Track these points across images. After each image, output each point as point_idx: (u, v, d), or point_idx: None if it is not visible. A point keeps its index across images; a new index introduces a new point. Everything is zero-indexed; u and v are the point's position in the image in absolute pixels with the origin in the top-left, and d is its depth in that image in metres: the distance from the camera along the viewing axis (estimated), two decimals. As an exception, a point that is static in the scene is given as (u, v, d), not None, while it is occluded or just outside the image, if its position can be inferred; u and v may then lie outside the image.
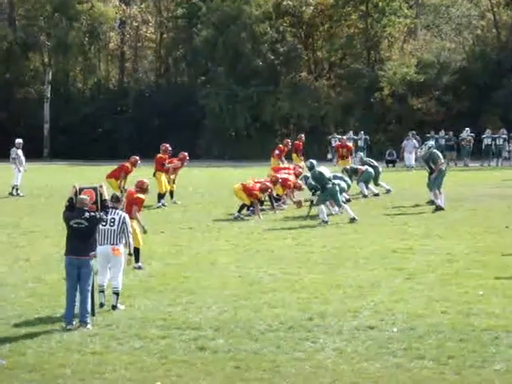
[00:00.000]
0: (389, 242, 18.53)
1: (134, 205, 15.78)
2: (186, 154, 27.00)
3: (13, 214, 24.17)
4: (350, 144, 31.40)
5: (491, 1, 53.37)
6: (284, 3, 54.95)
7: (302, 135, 34.16)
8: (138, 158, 26.37)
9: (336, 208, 23.05)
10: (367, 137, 45.75)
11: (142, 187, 16.42)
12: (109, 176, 25.54)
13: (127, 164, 25.82)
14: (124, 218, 13.19)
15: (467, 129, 43.14)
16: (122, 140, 53.66)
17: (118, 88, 61.01)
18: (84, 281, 12.10)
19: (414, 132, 43.63)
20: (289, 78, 54.81)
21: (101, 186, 12.72)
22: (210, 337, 11.35)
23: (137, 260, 15.57)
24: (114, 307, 12.93)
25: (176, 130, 51.21)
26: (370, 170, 27.60)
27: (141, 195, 16.23)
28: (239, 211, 23.04)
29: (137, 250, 15.35)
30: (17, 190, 28.81)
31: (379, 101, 51.70)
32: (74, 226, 12.06)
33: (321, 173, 22.66)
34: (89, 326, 11.93)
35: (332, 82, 56.62)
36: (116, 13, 58.57)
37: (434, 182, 23.78)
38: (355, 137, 45.66)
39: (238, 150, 50.51)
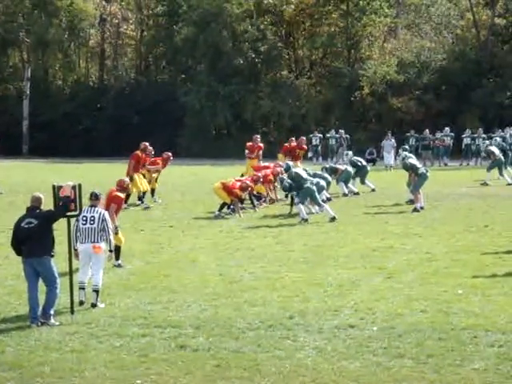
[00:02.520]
0: (369, 241, 18.57)
1: (112, 203, 15.73)
2: (170, 154, 26.92)
3: (-9, 211, 24.03)
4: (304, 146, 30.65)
5: (470, 1, 53.58)
6: (265, 2, 54.96)
7: (293, 139, 32.03)
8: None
9: (316, 207, 23.08)
10: (347, 135, 45.90)
11: (122, 186, 16.37)
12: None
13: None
14: (104, 215, 13.18)
15: (447, 128, 43.31)
16: (101, 137, 53.52)
17: (97, 85, 60.81)
18: (46, 279, 12.06)
19: (390, 132, 43.90)
20: (269, 76, 54.87)
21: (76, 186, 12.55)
22: (191, 335, 11.33)
23: (117, 258, 15.54)
24: (94, 305, 12.88)
25: (156, 127, 51.11)
26: (350, 169, 27.68)
27: (120, 194, 16.17)
28: (220, 210, 23.02)
29: (118, 248, 15.31)
30: None
31: (359, 100, 51.84)
32: (24, 226, 12.01)
33: (297, 173, 22.76)
34: (52, 321, 11.90)
35: (313, 80, 56.72)
36: (96, 10, 58.40)
37: (416, 186, 23.90)
38: (336, 135, 45.80)
39: (219, 148, 50.47)
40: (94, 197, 13.48)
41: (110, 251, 13.40)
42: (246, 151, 29.29)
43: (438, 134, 42.89)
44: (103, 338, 11.29)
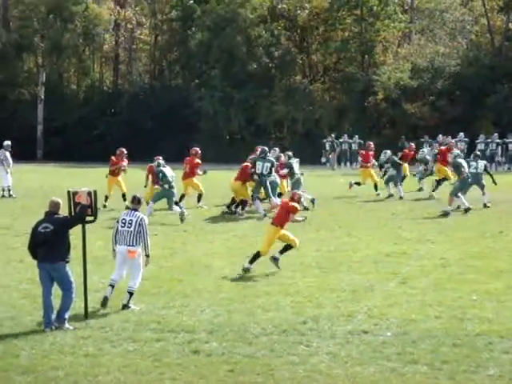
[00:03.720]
0: (382, 247, 18.54)
1: (291, 213, 16.23)
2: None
3: (6, 215, 24.13)
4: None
5: (485, 6, 53.45)
6: (279, 7, 55.00)
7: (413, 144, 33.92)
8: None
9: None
10: (361, 141, 45.90)
11: (294, 198, 16.56)
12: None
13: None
14: (141, 219, 13.23)
15: (461, 133, 43.20)
16: (115, 142, 53.42)
17: (112, 90, 60.96)
18: (61, 284, 12.10)
19: (403, 137, 43.94)
20: (283, 81, 54.86)
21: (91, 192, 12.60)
22: (204, 340, 11.34)
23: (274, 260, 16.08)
24: (125, 306, 12.97)
25: (170, 132, 51.22)
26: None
27: (295, 204, 16.37)
28: (236, 207, 23.41)
29: (288, 248, 16.18)
30: (9, 191, 28.76)
31: (373, 105, 51.75)
32: (41, 230, 12.05)
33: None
34: (66, 325, 11.94)
35: (326, 85, 56.68)
36: (111, 15, 58.55)
37: (455, 189, 24.23)
38: (350, 140, 45.86)
39: (232, 153, 50.45)
40: (137, 201, 13.61)
41: (147, 256, 13.38)
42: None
43: (449, 139, 42.70)
44: (117, 342, 11.32)
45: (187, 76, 58.03)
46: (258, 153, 24.90)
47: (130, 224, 13.19)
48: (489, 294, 13.74)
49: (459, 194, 24.00)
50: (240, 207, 24.43)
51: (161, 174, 23.54)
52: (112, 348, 11.09)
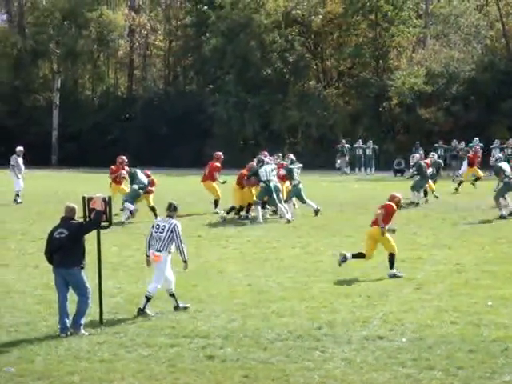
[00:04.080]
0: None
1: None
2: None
3: (22, 220, 24.21)
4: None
5: (500, 11, 53.30)
6: (293, 12, 55.02)
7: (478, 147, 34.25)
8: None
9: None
10: (375, 146, 45.88)
11: (393, 199, 16.85)
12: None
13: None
14: (174, 226, 13.29)
15: (476, 139, 43.04)
16: (130, 148, 53.64)
17: (126, 96, 61.13)
18: (77, 290, 12.13)
19: (418, 142, 43.91)
20: (297, 86, 54.86)
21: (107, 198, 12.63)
22: (219, 345, 11.33)
23: (391, 266, 16.07)
24: (141, 311, 13.00)
25: (184, 138, 51.26)
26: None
27: (392, 204, 16.72)
28: (247, 211, 23.48)
29: (392, 256, 16.12)
30: (17, 196, 28.77)
31: (387, 110, 51.69)
32: (56, 236, 12.08)
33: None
34: (82, 331, 11.95)
35: (340, 90, 56.64)
36: (125, 21, 58.73)
37: (498, 193, 24.41)
38: (364, 146, 45.82)
39: (246, 158, 50.42)
40: (173, 208, 13.69)
41: (184, 262, 13.42)
42: None
43: (462, 145, 42.62)
44: (132, 347, 11.33)
45: (201, 81, 58.11)
46: (255, 163, 24.84)
47: (163, 230, 13.28)
48: (504, 299, 13.68)
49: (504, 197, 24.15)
50: (245, 211, 24.50)
51: (133, 175, 24.53)
52: (127, 353, 11.09)
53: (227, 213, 24.61)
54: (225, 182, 25.83)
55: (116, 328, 12.28)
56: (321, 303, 13.60)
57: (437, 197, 28.27)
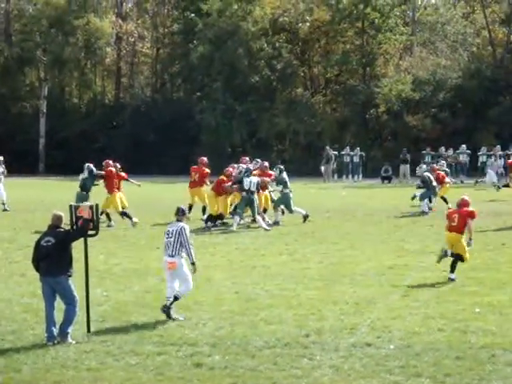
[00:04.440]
0: (385, 259, 18.51)
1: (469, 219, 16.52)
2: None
3: (8, 228, 24.13)
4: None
5: (487, 18, 53.55)
6: (280, 19, 55.13)
7: None
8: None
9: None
10: (363, 153, 45.98)
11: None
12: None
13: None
14: (181, 229, 13.34)
15: (463, 146, 43.21)
16: (117, 155, 53.47)
17: (113, 103, 61.07)
18: (64, 298, 12.09)
19: (405, 149, 44.10)
20: (285, 93, 54.94)
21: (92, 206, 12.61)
22: (207, 353, 11.31)
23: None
24: (166, 307, 13.07)
25: (172, 145, 51.22)
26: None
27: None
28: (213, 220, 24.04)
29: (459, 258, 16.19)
30: (3, 204, 28.59)
31: (375, 117, 51.81)
32: (43, 244, 12.04)
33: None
34: (69, 339, 11.91)
35: (328, 98, 56.76)
36: (112, 28, 58.69)
37: None
38: (351, 153, 45.88)
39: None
40: (181, 212, 13.85)
41: (192, 264, 13.44)
42: None
43: (450, 152, 42.76)
44: (119, 356, 11.29)
45: (189, 89, 58.11)
46: (243, 172, 24.73)
47: (172, 234, 13.36)
48: (492, 306, 13.71)
49: None
50: (214, 220, 24.45)
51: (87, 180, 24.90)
52: (114, 362, 11.05)
53: (206, 222, 24.46)
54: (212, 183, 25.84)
55: (103, 336, 12.23)
56: (308, 310, 13.60)
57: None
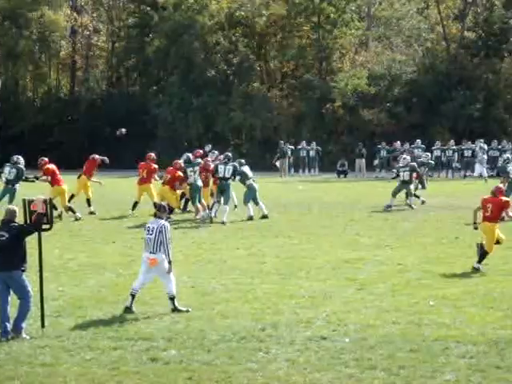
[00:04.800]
0: (341, 253, 18.62)
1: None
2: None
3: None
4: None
5: (441, 14, 54.00)
6: (237, 14, 55.02)
7: None
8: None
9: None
10: (319, 147, 46.17)
11: None
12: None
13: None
14: (162, 226, 13.30)
15: (418, 140, 43.55)
16: (72, 149, 53.19)
17: (69, 97, 60.48)
18: (18, 293, 11.98)
19: (360, 143, 44.46)
20: (241, 88, 54.87)
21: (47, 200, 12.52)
22: (162, 348, 11.29)
23: (480, 261, 16.44)
24: (174, 310, 13.17)
25: (128, 139, 50.84)
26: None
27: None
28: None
29: (485, 253, 16.50)
30: None
31: (331, 112, 51.99)
32: None
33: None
34: (23, 334, 11.81)
35: (284, 92, 56.82)
36: (67, 21, 58.09)
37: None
38: (307, 147, 46.04)
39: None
40: (163, 208, 13.80)
41: (169, 262, 13.40)
42: None
43: (406, 146, 43.13)
44: (74, 351, 11.22)
45: (145, 83, 57.84)
46: (222, 157, 25.37)
47: (152, 231, 13.33)
48: (446, 299, 13.87)
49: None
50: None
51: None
52: (69, 357, 10.98)
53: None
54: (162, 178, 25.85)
55: (58, 331, 12.14)
56: (264, 304, 13.64)
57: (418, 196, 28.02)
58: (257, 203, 24.76)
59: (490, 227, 16.65)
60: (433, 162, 29.74)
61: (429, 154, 33.67)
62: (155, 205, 14.04)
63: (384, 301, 13.79)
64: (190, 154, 26.06)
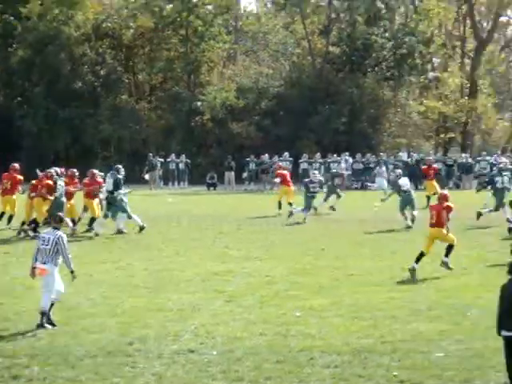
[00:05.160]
0: (210, 265, 18.63)
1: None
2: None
3: None
4: None
5: (306, 29, 54.99)
6: (103, 25, 54.50)
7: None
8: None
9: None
10: (188, 160, 46.20)
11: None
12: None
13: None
14: (59, 238, 13.13)
15: (286, 153, 44.15)
16: None
17: None
18: None
19: (230, 156, 44.79)
20: (109, 100, 54.33)
21: None
22: (25, 364, 10.98)
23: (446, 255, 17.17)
24: (39, 326, 12.78)
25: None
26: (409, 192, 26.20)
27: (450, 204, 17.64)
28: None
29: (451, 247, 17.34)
30: None
31: (200, 125, 52.11)
32: None
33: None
34: None
35: (153, 104, 56.62)
36: None
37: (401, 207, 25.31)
38: (177, 160, 46.00)
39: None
40: (59, 219, 13.68)
41: (71, 272, 13.29)
42: None
43: (275, 159, 43.67)
44: None
45: (9, 94, 56.41)
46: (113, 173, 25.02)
47: (48, 242, 13.13)
48: (312, 309, 14.04)
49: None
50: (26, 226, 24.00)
51: None
52: None
53: (33, 231, 23.67)
54: (24, 192, 25.24)
55: None
56: (132, 318, 13.49)
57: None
58: (130, 217, 24.50)
59: (436, 232, 17.43)
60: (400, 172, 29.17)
61: (399, 170, 31.87)
62: (54, 216, 13.92)
63: (252, 312, 13.87)
64: (57, 168, 25.47)
